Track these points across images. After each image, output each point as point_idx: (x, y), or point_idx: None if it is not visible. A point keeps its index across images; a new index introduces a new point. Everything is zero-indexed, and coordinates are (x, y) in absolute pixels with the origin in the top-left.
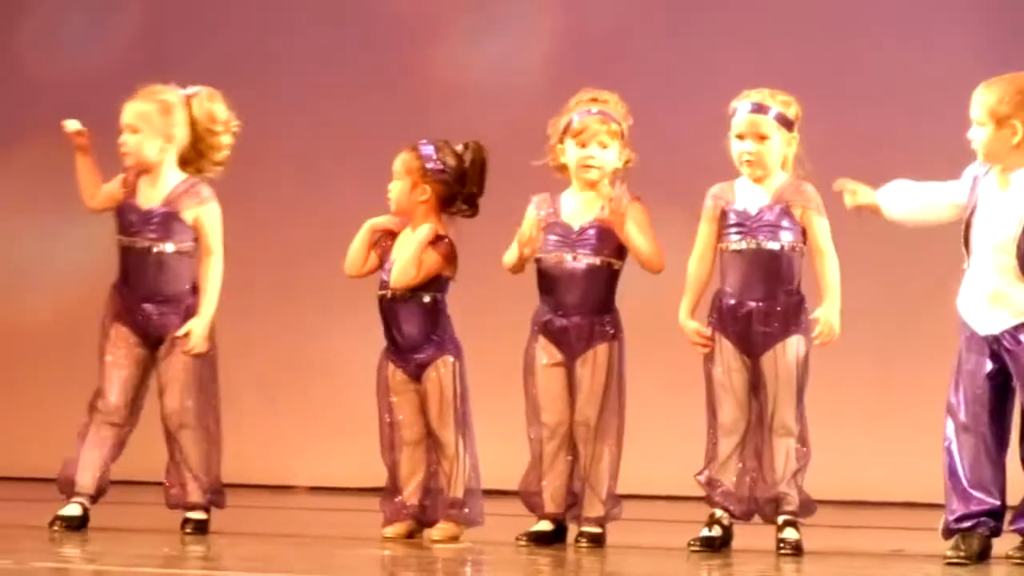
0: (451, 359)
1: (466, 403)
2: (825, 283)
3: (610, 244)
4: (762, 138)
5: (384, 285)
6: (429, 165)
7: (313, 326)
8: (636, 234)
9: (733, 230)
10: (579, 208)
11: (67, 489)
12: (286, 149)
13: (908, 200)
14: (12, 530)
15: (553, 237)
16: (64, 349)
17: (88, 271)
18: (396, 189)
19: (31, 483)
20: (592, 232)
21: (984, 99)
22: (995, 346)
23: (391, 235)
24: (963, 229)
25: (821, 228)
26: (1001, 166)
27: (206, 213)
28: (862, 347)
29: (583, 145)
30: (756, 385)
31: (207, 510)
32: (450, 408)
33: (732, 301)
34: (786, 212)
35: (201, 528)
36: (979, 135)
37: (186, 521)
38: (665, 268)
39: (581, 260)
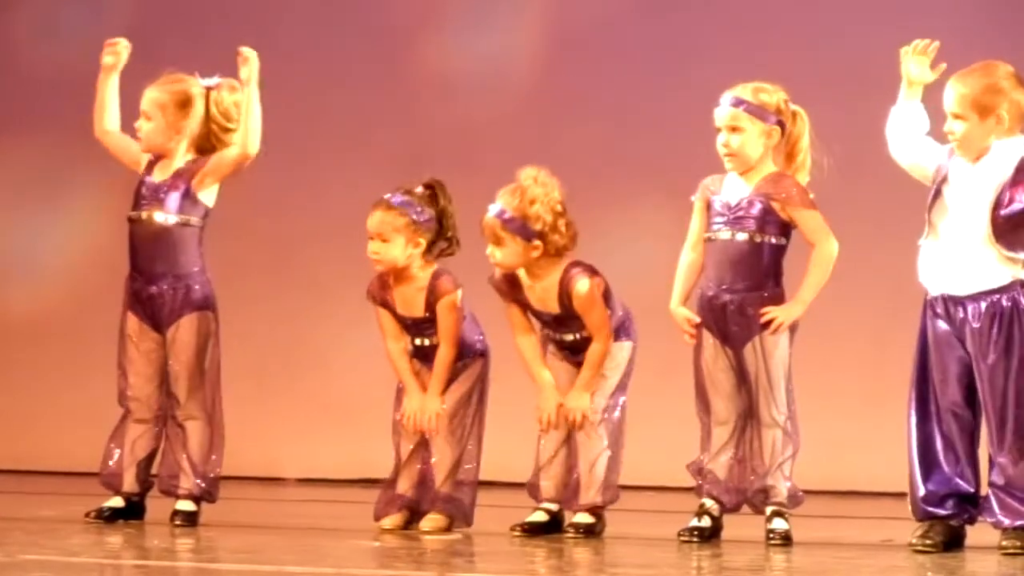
0: (481, 359)
1: (484, 400)
2: (806, 276)
3: (577, 322)
4: (736, 130)
5: (412, 343)
6: (415, 217)
7: (303, 318)
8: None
9: (716, 221)
10: (538, 294)
11: (110, 488)
12: (278, 139)
13: (908, 135)
14: (4, 523)
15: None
16: (52, 341)
17: (76, 264)
18: (388, 251)
19: (17, 475)
20: (555, 319)
21: (961, 91)
22: (959, 318)
23: (384, 286)
24: (930, 198)
25: (807, 220)
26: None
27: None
28: (852, 337)
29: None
30: (741, 376)
31: (197, 502)
32: (467, 402)
33: (710, 292)
34: (767, 205)
35: (190, 520)
36: (959, 128)
37: (175, 513)
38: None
39: (558, 336)
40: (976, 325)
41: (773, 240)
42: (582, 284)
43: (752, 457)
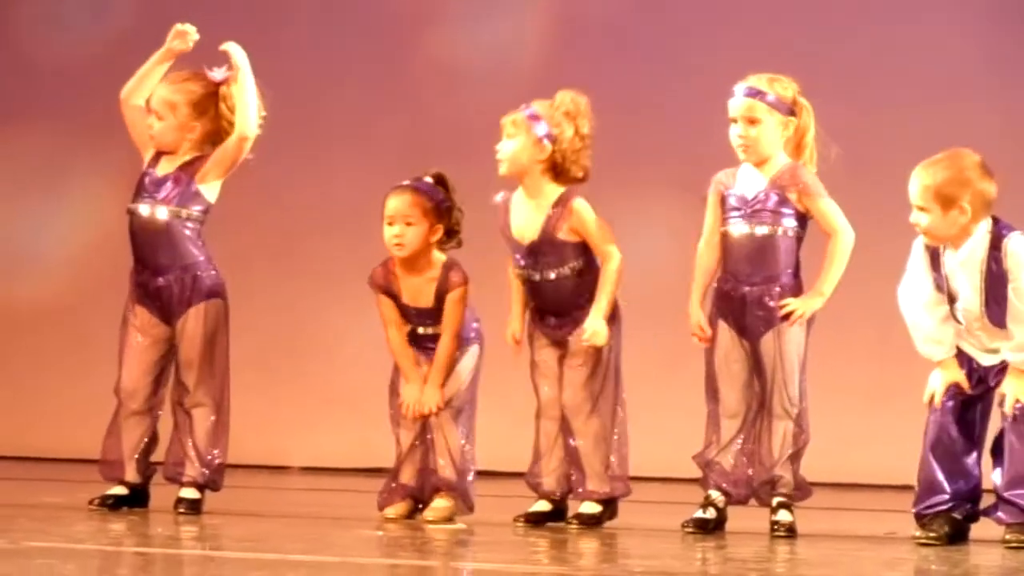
0: (475, 347)
1: (476, 388)
2: (824, 267)
3: (559, 254)
4: (753, 122)
5: (413, 330)
6: (440, 202)
7: (308, 306)
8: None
9: (731, 215)
10: (524, 218)
11: (112, 479)
12: (282, 131)
13: (940, 340)
14: (9, 510)
15: (516, 257)
16: (56, 329)
17: (80, 253)
18: (412, 235)
19: (22, 462)
20: (538, 249)
21: (926, 182)
22: (989, 376)
23: (389, 275)
24: (948, 302)
25: (824, 209)
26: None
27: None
28: (857, 329)
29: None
30: (756, 368)
31: (201, 490)
32: (463, 390)
33: (728, 285)
34: (782, 197)
35: (194, 508)
36: (924, 220)
37: (179, 500)
38: (622, 255)
39: (541, 276)
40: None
41: (791, 232)
42: (581, 202)
43: (761, 448)
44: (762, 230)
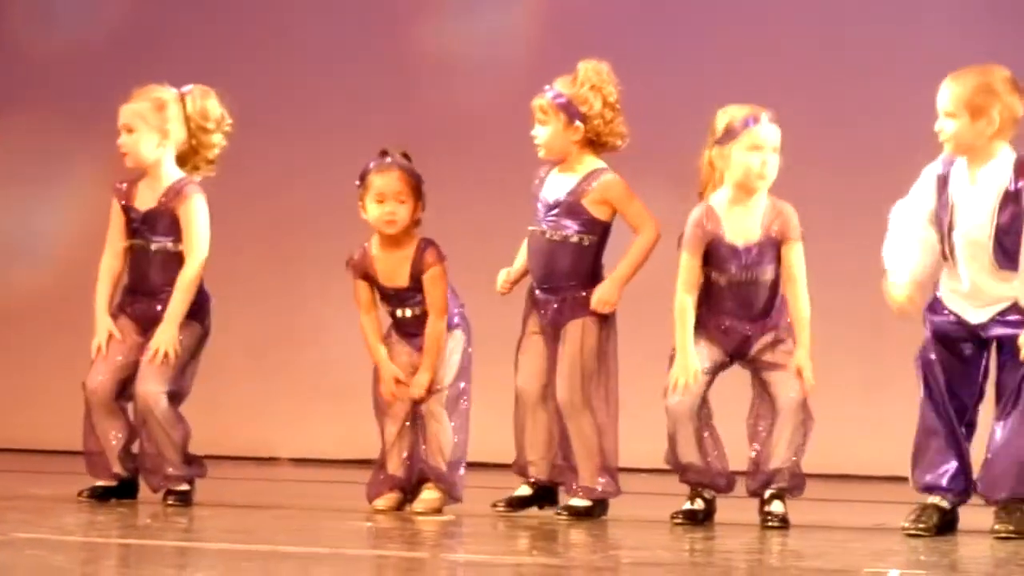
0: (460, 332)
1: (468, 374)
2: (797, 317)
3: (579, 219)
4: (776, 151)
5: (392, 314)
6: (421, 182)
7: (298, 298)
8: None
9: (730, 266)
10: (556, 182)
11: (101, 476)
12: (275, 119)
13: (913, 269)
14: None
15: (538, 209)
16: (45, 320)
17: (73, 244)
18: (403, 212)
19: (10, 454)
20: (559, 208)
21: (956, 90)
22: (981, 332)
23: (366, 256)
24: (946, 231)
25: (797, 255)
26: (968, 158)
27: (185, 211)
28: (847, 321)
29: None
30: (757, 375)
31: (190, 481)
32: (452, 377)
33: (727, 323)
34: (773, 240)
35: (184, 499)
36: (950, 127)
37: (168, 492)
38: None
39: (551, 234)
40: (998, 332)
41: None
42: (611, 176)
43: (767, 443)
44: (764, 277)
